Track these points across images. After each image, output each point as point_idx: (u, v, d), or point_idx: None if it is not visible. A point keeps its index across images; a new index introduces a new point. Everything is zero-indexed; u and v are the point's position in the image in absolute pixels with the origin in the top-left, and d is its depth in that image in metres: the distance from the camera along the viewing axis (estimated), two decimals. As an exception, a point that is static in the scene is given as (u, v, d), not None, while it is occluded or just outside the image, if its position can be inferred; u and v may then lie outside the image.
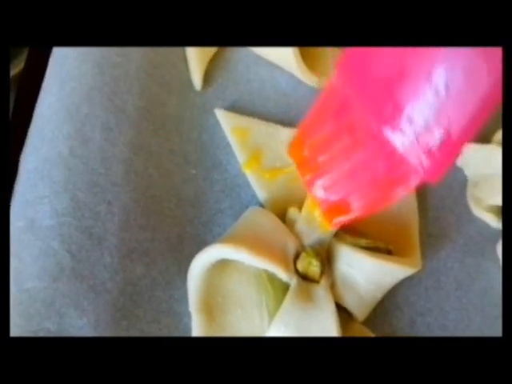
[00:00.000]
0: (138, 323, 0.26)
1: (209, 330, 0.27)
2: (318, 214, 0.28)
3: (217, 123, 0.31)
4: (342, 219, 0.27)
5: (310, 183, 0.28)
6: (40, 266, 0.26)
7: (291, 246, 0.27)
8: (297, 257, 0.27)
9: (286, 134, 0.31)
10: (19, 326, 0.25)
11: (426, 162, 0.23)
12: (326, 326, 0.25)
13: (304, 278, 0.27)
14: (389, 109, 0.24)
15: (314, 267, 0.26)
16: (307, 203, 0.28)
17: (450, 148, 0.23)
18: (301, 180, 0.29)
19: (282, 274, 0.26)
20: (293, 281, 0.26)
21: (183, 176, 0.30)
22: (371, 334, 0.27)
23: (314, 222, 0.28)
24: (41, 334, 0.25)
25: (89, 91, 0.29)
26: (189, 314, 0.27)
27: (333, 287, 0.27)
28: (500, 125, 0.30)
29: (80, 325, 0.25)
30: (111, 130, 0.29)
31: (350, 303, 0.27)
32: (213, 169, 0.31)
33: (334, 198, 0.27)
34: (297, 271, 0.27)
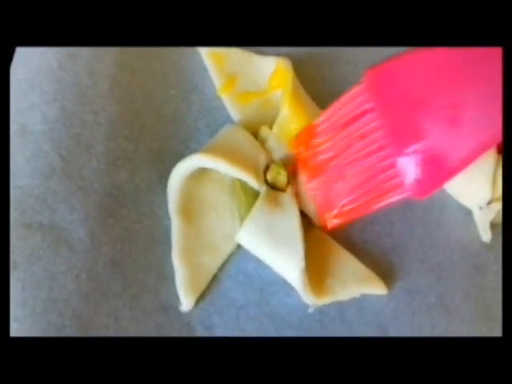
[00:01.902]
0: (122, 221, 0.29)
1: (187, 231, 0.30)
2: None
3: (195, 49, 0.34)
4: (336, 222, 0.29)
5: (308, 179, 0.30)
6: (32, 167, 0.28)
7: (262, 159, 0.30)
8: (267, 169, 0.30)
9: (260, 62, 0.34)
10: (14, 218, 0.27)
11: (417, 181, 0.25)
12: (290, 226, 0.28)
13: (273, 187, 0.30)
14: (407, 134, 0.25)
15: (281, 176, 0.30)
16: (277, 122, 0.31)
17: (445, 174, 0.25)
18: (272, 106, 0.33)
19: (254, 183, 0.29)
20: (263, 189, 0.29)
21: (163, 96, 0.33)
22: (329, 238, 0.31)
23: (283, 140, 0.31)
24: (34, 227, 0.27)
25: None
26: (168, 217, 0.30)
27: (297, 196, 0.30)
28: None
29: (70, 220, 0.28)
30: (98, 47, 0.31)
31: (311, 210, 0.30)
32: (190, 91, 0.33)
33: (326, 196, 0.29)
34: (266, 182, 0.30)
